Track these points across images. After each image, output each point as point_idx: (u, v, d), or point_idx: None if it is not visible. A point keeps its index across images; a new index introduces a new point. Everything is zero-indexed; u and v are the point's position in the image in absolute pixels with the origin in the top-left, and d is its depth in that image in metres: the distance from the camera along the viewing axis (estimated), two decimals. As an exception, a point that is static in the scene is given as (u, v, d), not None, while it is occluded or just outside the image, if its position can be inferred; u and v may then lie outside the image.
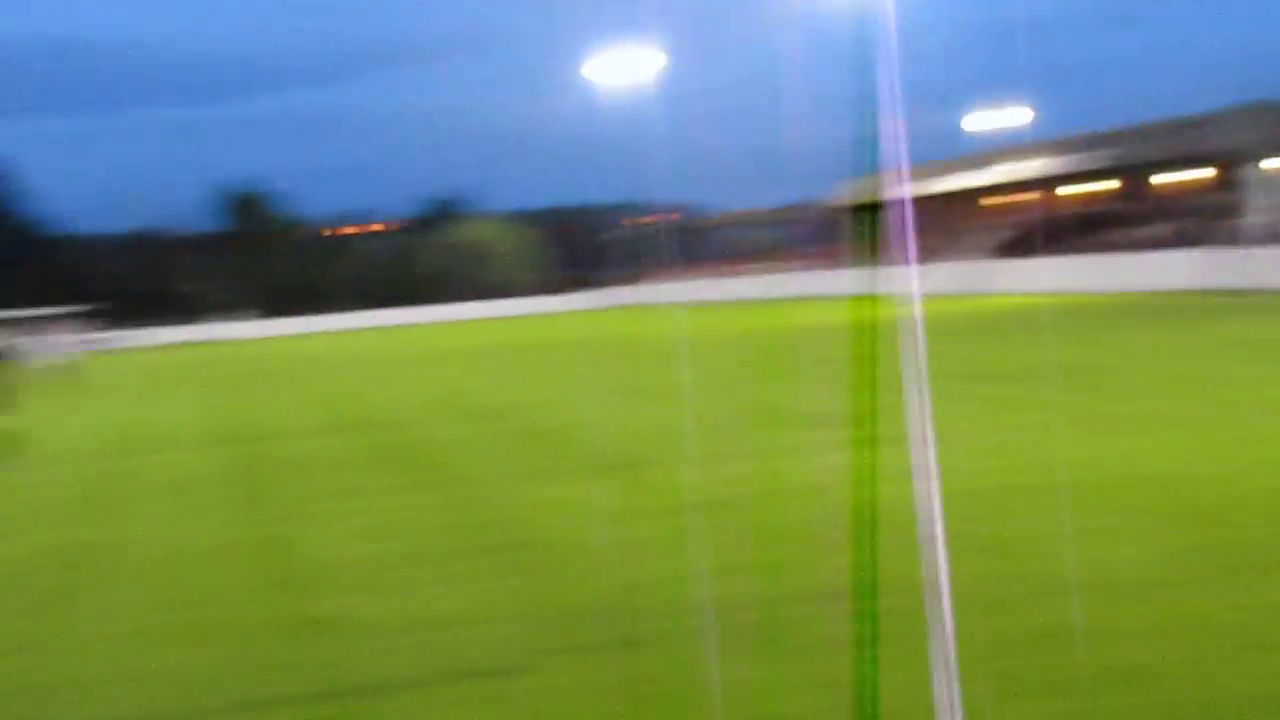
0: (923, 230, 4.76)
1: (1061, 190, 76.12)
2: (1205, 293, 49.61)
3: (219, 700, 8.64)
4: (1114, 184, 72.38)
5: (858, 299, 3.54)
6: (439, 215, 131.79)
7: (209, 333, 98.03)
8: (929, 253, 61.63)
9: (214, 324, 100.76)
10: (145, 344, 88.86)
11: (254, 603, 11.35)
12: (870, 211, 3.56)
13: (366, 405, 30.72)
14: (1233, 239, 55.37)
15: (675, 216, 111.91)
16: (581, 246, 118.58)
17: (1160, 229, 61.87)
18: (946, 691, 3.62)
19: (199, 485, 19.13)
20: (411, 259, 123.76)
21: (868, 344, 3.48)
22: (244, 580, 12.35)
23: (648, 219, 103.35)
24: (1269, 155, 59.79)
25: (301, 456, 21.62)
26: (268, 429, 26.84)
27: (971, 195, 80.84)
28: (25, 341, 52.32)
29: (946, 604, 3.54)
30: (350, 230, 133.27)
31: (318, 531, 14.64)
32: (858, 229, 3.72)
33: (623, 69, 77.99)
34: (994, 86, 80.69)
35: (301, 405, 32.27)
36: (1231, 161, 61.50)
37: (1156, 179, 69.60)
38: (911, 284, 3.51)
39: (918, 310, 3.51)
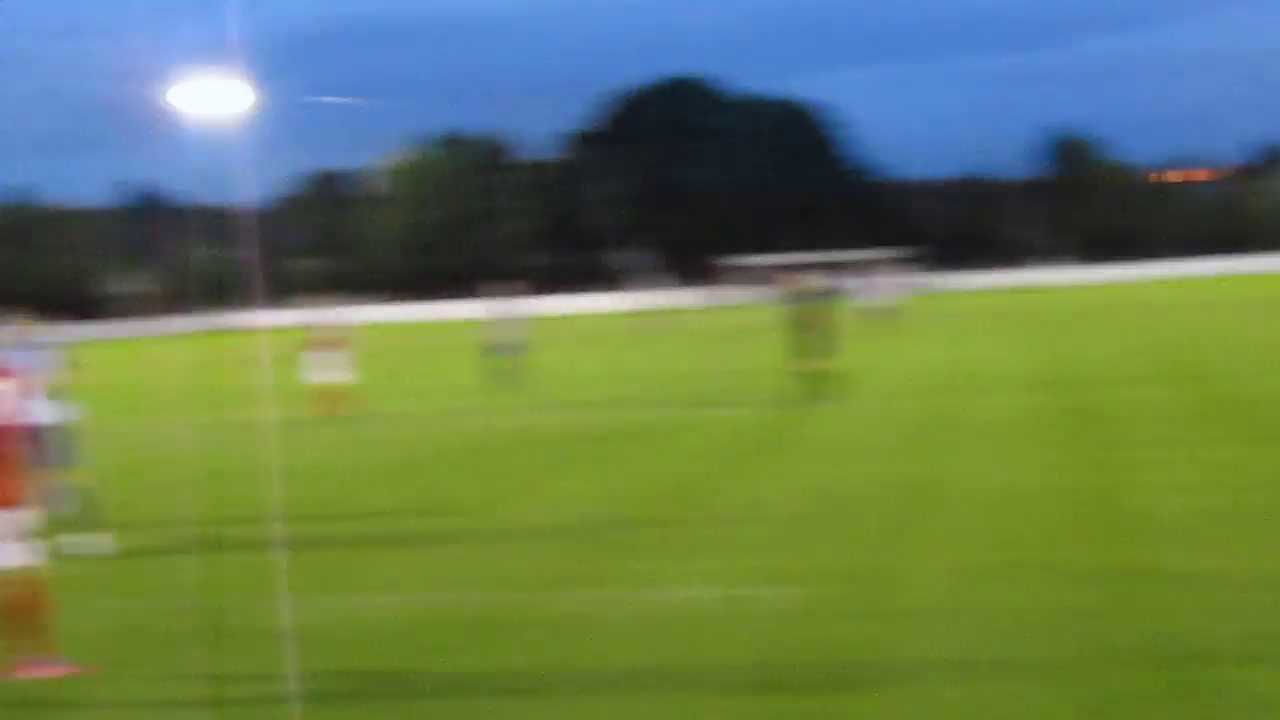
0: None
1: None
2: None
3: (1045, 652, 8.65)
4: None
5: None
6: (1270, 161, 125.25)
7: (1028, 278, 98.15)
8: None
9: (1033, 269, 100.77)
10: (965, 287, 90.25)
11: (1074, 548, 11.42)
12: None
13: (1191, 355, 29.93)
14: None
15: None
16: None
17: None
18: None
19: (1019, 428, 19.39)
20: (1240, 206, 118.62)
21: None
22: (1064, 525, 12.45)
23: None
24: None
25: (1122, 404, 21.42)
26: (1088, 375, 26.74)
27: None
28: (851, 283, 54.57)
29: None
30: (1176, 176, 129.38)
31: (1138, 481, 14.51)
32: None
33: None
34: None
35: (1123, 353, 31.87)
36: None
37: None
38: None
39: None
